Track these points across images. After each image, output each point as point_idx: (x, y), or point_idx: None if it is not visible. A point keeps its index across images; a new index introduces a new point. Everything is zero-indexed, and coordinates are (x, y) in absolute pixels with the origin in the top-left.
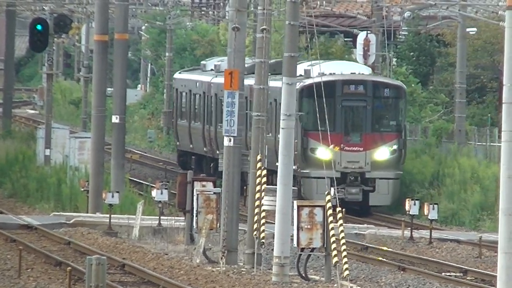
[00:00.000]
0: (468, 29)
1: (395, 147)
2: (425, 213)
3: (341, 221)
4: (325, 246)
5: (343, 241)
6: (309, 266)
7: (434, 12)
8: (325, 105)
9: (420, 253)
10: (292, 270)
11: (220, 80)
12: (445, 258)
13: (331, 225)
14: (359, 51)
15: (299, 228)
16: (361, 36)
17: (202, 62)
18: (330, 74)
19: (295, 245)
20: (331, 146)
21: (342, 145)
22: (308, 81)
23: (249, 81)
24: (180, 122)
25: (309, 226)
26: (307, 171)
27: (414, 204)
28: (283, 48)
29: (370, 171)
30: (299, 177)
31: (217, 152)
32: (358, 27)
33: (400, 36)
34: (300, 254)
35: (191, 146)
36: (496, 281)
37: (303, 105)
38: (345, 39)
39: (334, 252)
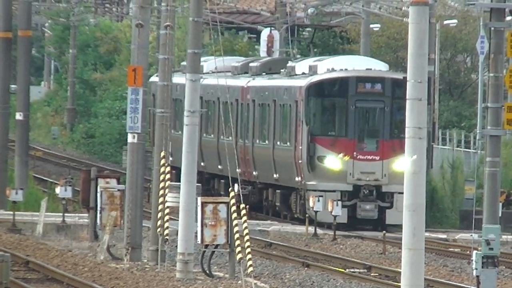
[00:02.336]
0: (371, 26)
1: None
2: (329, 209)
3: (245, 218)
4: (229, 242)
5: (247, 237)
6: (213, 263)
7: (338, 8)
8: (336, 105)
9: (324, 250)
10: (196, 267)
11: (207, 81)
12: (349, 254)
13: (235, 222)
14: (262, 47)
15: (203, 225)
16: (265, 33)
17: (182, 63)
18: (341, 70)
19: (199, 242)
20: (341, 155)
21: (355, 153)
22: (316, 78)
23: (240, 82)
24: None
25: (213, 223)
26: (313, 183)
27: (318, 201)
28: (187, 44)
29: (387, 184)
30: (303, 190)
31: (202, 164)
32: (262, 23)
33: (303, 32)
34: (204, 251)
35: (170, 159)
36: (400, 277)
37: (310, 106)
38: (249, 35)
39: (238, 249)
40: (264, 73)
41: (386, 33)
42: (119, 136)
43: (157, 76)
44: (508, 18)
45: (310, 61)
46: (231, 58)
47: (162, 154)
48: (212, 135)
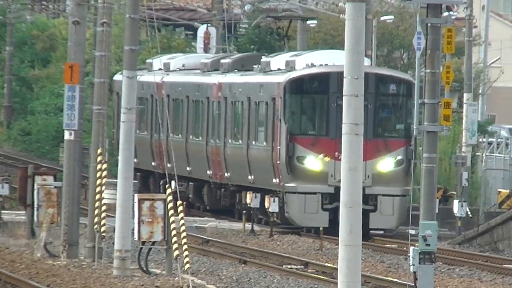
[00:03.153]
0: (308, 22)
1: (401, 156)
2: (266, 206)
3: (181, 214)
4: (166, 239)
5: (184, 234)
6: (150, 260)
7: (275, 5)
8: (316, 103)
9: (261, 246)
10: (133, 264)
11: (174, 78)
12: (286, 250)
13: (172, 218)
14: (199, 44)
15: (140, 222)
16: (202, 29)
17: (148, 60)
18: (322, 65)
19: (136, 239)
20: (321, 155)
21: (336, 153)
22: (295, 74)
23: (211, 79)
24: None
25: (150, 220)
26: (292, 185)
27: (255, 197)
28: (124, 41)
29: (371, 186)
30: (282, 192)
31: (169, 166)
32: (199, 20)
33: (240, 29)
34: (141, 248)
35: (135, 160)
36: (337, 274)
37: (289, 103)
38: (186, 32)
39: (175, 246)
40: (236, 70)
41: (322, 29)
42: (56, 133)
43: (121, 74)
44: (445, 14)
45: (286, 56)
46: (200, 55)
47: (99, 151)
48: (180, 135)
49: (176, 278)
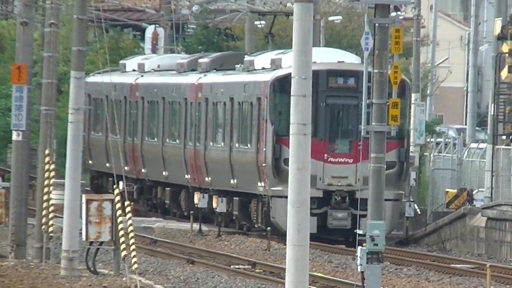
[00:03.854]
0: (256, 22)
1: (394, 159)
2: (214, 206)
3: (129, 215)
4: (113, 239)
5: (131, 234)
6: (97, 260)
7: (223, 5)
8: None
9: (209, 246)
10: (81, 264)
11: (149, 79)
12: (233, 250)
13: (119, 219)
14: (147, 44)
15: (87, 222)
16: (150, 30)
17: (121, 61)
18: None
19: (84, 239)
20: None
21: (325, 155)
22: (281, 72)
23: (188, 79)
24: (93, 136)
25: (97, 220)
26: (279, 188)
27: (203, 197)
28: (72, 42)
29: (362, 190)
30: (268, 196)
31: (143, 171)
32: (147, 21)
33: (188, 30)
34: (89, 248)
35: (108, 165)
36: (285, 274)
37: (275, 103)
38: (134, 32)
39: (123, 246)
40: (215, 70)
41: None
42: (4, 134)
43: (93, 75)
44: (393, 14)
45: (271, 54)
46: (175, 56)
47: (47, 151)
48: (155, 139)
49: (124, 278)
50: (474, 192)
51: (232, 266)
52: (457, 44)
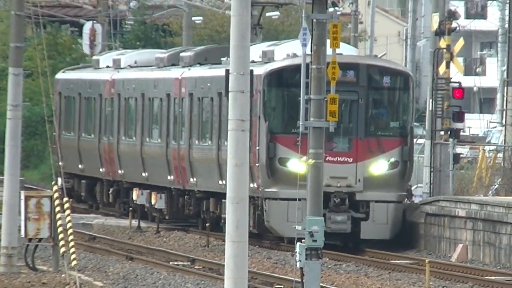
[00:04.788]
0: (194, 18)
1: (396, 158)
2: (153, 203)
3: (68, 211)
4: (52, 236)
5: (70, 231)
6: (37, 256)
7: (160, 1)
8: (300, 97)
9: (148, 243)
10: (19, 261)
11: (127, 75)
12: (172, 247)
13: (58, 215)
14: (85, 40)
15: (26, 219)
16: (87, 26)
17: (94, 57)
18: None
19: (23, 236)
20: (304, 158)
21: (324, 154)
22: (275, 65)
23: (171, 74)
24: (64, 136)
25: (36, 217)
26: (274, 190)
27: (142, 194)
28: (9, 38)
29: (362, 191)
30: (261, 198)
31: (120, 172)
32: (84, 16)
33: (126, 26)
34: (28, 245)
35: (80, 166)
36: (224, 270)
37: (269, 98)
38: (72, 28)
39: (62, 242)
40: (198, 64)
41: (208, 25)
42: None
43: (63, 72)
44: (330, 9)
45: (262, 46)
46: (153, 51)
47: None
48: (134, 138)
49: (63, 275)
50: (413, 188)
51: (171, 263)
52: (395, 39)
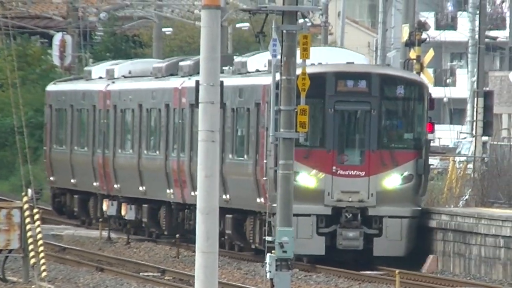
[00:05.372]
0: (164, 29)
1: (411, 171)
2: (123, 214)
3: (38, 222)
4: (22, 247)
5: (40, 242)
6: (7, 268)
7: (130, 13)
8: (310, 108)
9: (118, 254)
10: None
11: (123, 86)
12: (143, 258)
13: (28, 226)
14: (55, 52)
15: None
16: (57, 37)
17: (86, 68)
18: (315, 64)
19: None
20: (314, 172)
21: (334, 167)
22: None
23: (170, 84)
24: (55, 150)
25: (6, 228)
26: None
27: (112, 205)
28: None
29: (375, 206)
30: (269, 214)
31: (115, 186)
32: (54, 28)
33: (96, 37)
34: None
35: (73, 181)
36: (194, 281)
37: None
38: (42, 40)
39: (32, 253)
40: (199, 73)
41: (178, 36)
42: None
43: (54, 84)
44: (300, 21)
45: (267, 55)
46: (148, 61)
47: None
48: (131, 151)
49: (33, 286)
50: None
51: (141, 274)
52: (365, 50)
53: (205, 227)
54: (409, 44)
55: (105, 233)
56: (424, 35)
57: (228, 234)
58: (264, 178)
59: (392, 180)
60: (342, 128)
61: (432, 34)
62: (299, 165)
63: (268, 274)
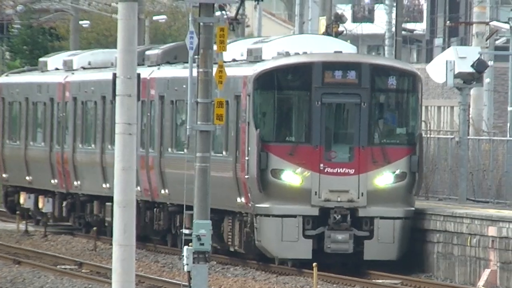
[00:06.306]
0: (81, 22)
1: (404, 169)
2: (40, 207)
3: None
4: None
5: None
6: None
7: (47, 5)
8: (295, 101)
9: (35, 246)
10: None
11: (84, 77)
12: (60, 251)
13: None
14: None
15: None
16: None
17: (41, 59)
18: (299, 54)
19: None
20: (298, 170)
21: (321, 165)
22: (267, 65)
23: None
24: (8, 145)
25: None
26: (266, 205)
27: (29, 198)
28: None
29: (365, 207)
30: (251, 215)
31: (76, 183)
32: None
33: (13, 30)
34: None
35: (28, 178)
36: (111, 273)
37: (260, 103)
38: None
39: None
40: (167, 62)
41: (95, 29)
42: None
43: (7, 76)
44: (217, 13)
45: (246, 43)
46: (108, 51)
47: None
48: (93, 145)
49: None
50: None
51: (58, 266)
52: None
53: (122, 220)
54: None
55: (22, 226)
56: (341, 28)
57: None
58: (246, 177)
59: (384, 179)
60: (329, 122)
61: (349, 26)
62: (283, 162)
63: (185, 267)
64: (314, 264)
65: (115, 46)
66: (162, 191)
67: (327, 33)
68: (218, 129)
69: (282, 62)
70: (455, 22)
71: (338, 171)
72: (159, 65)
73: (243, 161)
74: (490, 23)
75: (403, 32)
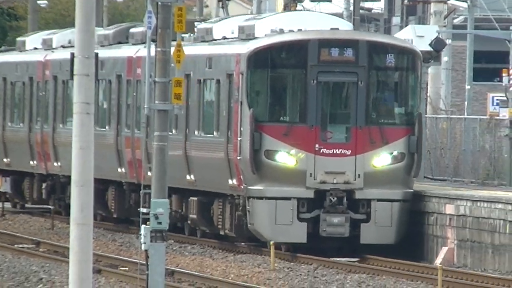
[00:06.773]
0: (39, 2)
1: (402, 149)
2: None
3: None
4: None
5: None
6: None
7: None
8: (290, 80)
9: None
10: None
11: (65, 55)
12: (17, 230)
13: None
14: None
15: None
16: None
17: (19, 39)
18: (294, 31)
19: None
20: (293, 151)
21: (317, 145)
22: (261, 42)
23: (122, 52)
24: None
25: None
26: (259, 188)
27: (5, 181)
28: None
29: (362, 189)
30: (244, 197)
31: (56, 164)
32: None
33: None
34: None
35: (6, 160)
36: (69, 252)
37: (253, 81)
38: None
39: None
40: (153, 41)
41: (53, 9)
42: None
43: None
44: None
45: (238, 20)
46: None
47: None
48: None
49: None
50: None
51: (16, 245)
52: None
53: (80, 199)
54: None
55: None
56: (299, 7)
57: (192, 219)
58: (238, 158)
59: (382, 160)
60: (326, 101)
61: (308, 5)
62: (278, 143)
63: (143, 246)
64: (272, 242)
65: (73, 26)
66: (149, 173)
67: (285, 11)
68: (209, 109)
69: (276, 40)
70: (413, 1)
71: (334, 152)
72: (143, 43)
73: (235, 141)
74: (448, 1)
75: (361, 11)
